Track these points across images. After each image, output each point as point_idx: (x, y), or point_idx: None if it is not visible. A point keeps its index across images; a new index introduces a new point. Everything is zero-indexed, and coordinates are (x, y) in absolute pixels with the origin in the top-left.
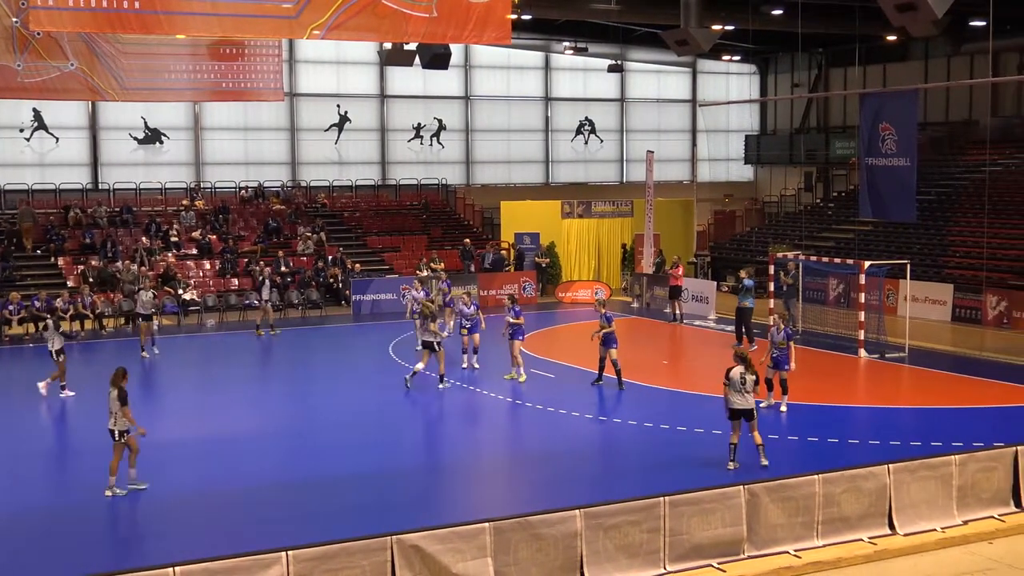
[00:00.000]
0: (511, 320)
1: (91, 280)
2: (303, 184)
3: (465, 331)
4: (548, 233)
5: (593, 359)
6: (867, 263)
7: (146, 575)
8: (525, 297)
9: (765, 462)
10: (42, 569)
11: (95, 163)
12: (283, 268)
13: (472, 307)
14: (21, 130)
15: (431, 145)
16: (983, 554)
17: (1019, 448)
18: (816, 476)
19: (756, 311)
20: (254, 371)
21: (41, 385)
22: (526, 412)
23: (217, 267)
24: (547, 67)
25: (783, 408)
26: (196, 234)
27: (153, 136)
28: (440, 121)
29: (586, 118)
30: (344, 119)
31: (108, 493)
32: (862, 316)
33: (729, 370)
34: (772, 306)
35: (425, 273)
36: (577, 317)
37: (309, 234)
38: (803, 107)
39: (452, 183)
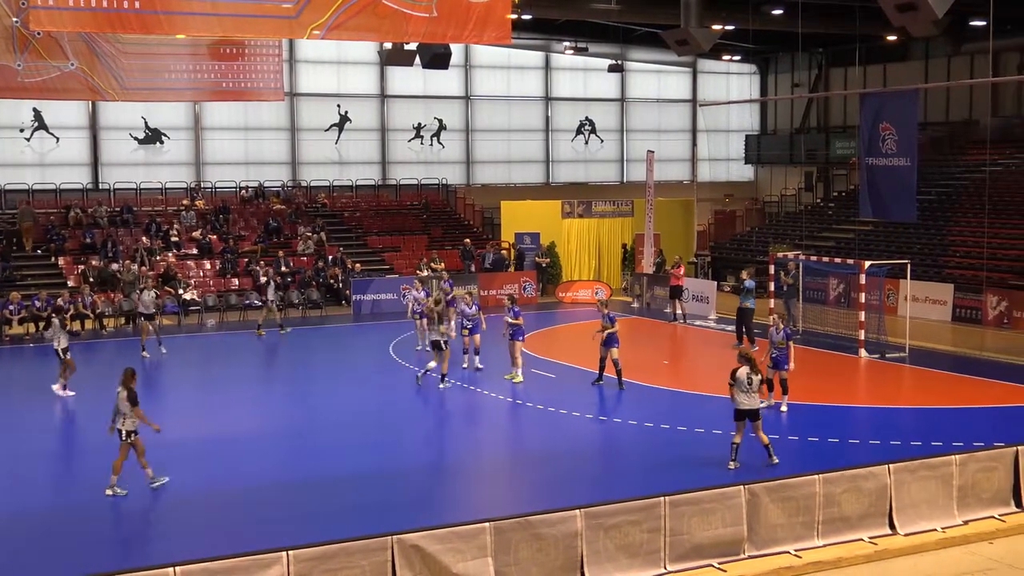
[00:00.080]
0: (510, 320)
1: (91, 280)
2: (303, 184)
3: (467, 331)
4: (548, 233)
5: (593, 359)
6: (867, 263)
7: (146, 575)
8: (525, 297)
9: (775, 460)
10: (42, 569)
11: (95, 163)
12: (283, 268)
13: (474, 307)
14: (21, 130)
15: (431, 145)
16: (983, 554)
17: (1019, 448)
18: (816, 476)
19: (756, 311)
20: (254, 371)
21: (55, 387)
22: (527, 412)
23: (217, 267)
24: (547, 67)
25: (783, 408)
26: (196, 234)
27: (153, 136)
28: (440, 121)
29: (586, 118)
30: (344, 119)
31: (109, 492)
32: (862, 316)
33: (735, 370)
34: (772, 306)
35: (425, 273)
36: (577, 317)
37: (309, 234)
38: (803, 107)
39: (452, 183)
